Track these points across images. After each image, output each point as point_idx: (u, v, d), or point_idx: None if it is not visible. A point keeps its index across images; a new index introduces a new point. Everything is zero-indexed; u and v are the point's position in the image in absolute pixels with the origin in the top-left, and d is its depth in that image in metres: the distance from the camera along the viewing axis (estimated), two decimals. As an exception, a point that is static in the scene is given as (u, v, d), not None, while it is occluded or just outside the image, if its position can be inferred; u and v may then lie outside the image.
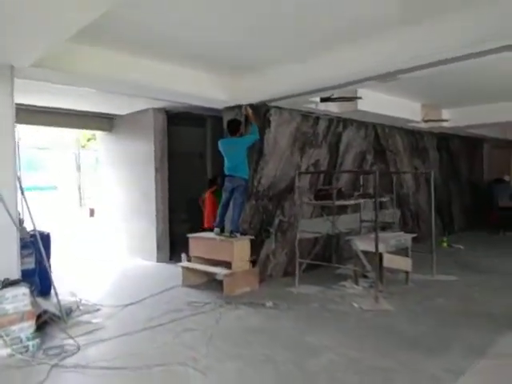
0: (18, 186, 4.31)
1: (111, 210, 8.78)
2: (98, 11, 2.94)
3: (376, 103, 6.88)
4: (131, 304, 5.07)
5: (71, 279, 6.27)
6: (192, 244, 6.15)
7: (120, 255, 8.27)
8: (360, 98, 6.23)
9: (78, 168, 11.14)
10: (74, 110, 7.66)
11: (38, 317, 4.04)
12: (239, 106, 6.15)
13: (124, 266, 7.49)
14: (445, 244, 8.94)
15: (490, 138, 11.46)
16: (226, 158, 5.87)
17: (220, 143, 5.99)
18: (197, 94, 5.72)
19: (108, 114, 8.26)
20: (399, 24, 4.05)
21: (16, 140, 4.28)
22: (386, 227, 7.12)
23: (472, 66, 4.85)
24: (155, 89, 5.38)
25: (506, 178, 11.00)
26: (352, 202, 5.81)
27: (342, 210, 7.22)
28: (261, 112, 6.22)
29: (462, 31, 3.82)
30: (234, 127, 5.91)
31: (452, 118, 8.42)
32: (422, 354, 3.47)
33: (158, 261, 7.60)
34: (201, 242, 6.09)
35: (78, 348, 3.71)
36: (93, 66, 4.62)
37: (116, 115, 8.31)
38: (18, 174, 4.30)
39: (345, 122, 7.67)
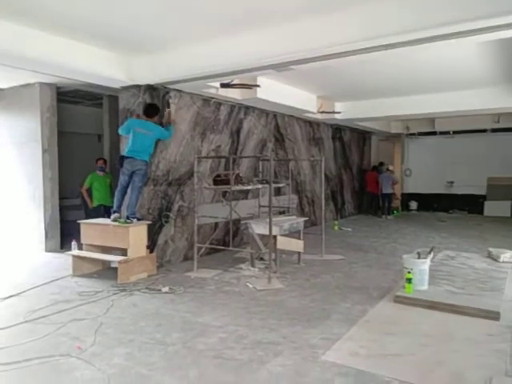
0: None
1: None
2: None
3: (275, 92, 7.15)
4: (11, 296, 4.65)
5: None
6: (84, 231, 5.81)
7: (2, 247, 7.46)
8: (259, 86, 6.41)
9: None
10: None
11: None
12: (137, 86, 5.92)
13: (7, 258, 6.78)
14: (336, 227, 9.76)
15: (377, 131, 12.69)
16: (132, 139, 5.58)
17: (132, 122, 5.70)
18: (90, 71, 5.36)
19: (-17, 87, 7.32)
20: (296, 16, 4.22)
21: None
22: (284, 212, 7.49)
23: (359, 64, 5.33)
24: (42, 62, 4.91)
25: (390, 167, 12.30)
26: (249, 187, 5.99)
27: (243, 195, 7.44)
28: (160, 94, 6.07)
29: (348, 29, 4.15)
30: (152, 111, 5.77)
31: (343, 111, 9.13)
32: (304, 326, 3.77)
33: (46, 250, 7.03)
34: (94, 229, 5.78)
35: None
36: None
37: (-6, 88, 7.40)
38: None
39: (246, 109, 7.83)
